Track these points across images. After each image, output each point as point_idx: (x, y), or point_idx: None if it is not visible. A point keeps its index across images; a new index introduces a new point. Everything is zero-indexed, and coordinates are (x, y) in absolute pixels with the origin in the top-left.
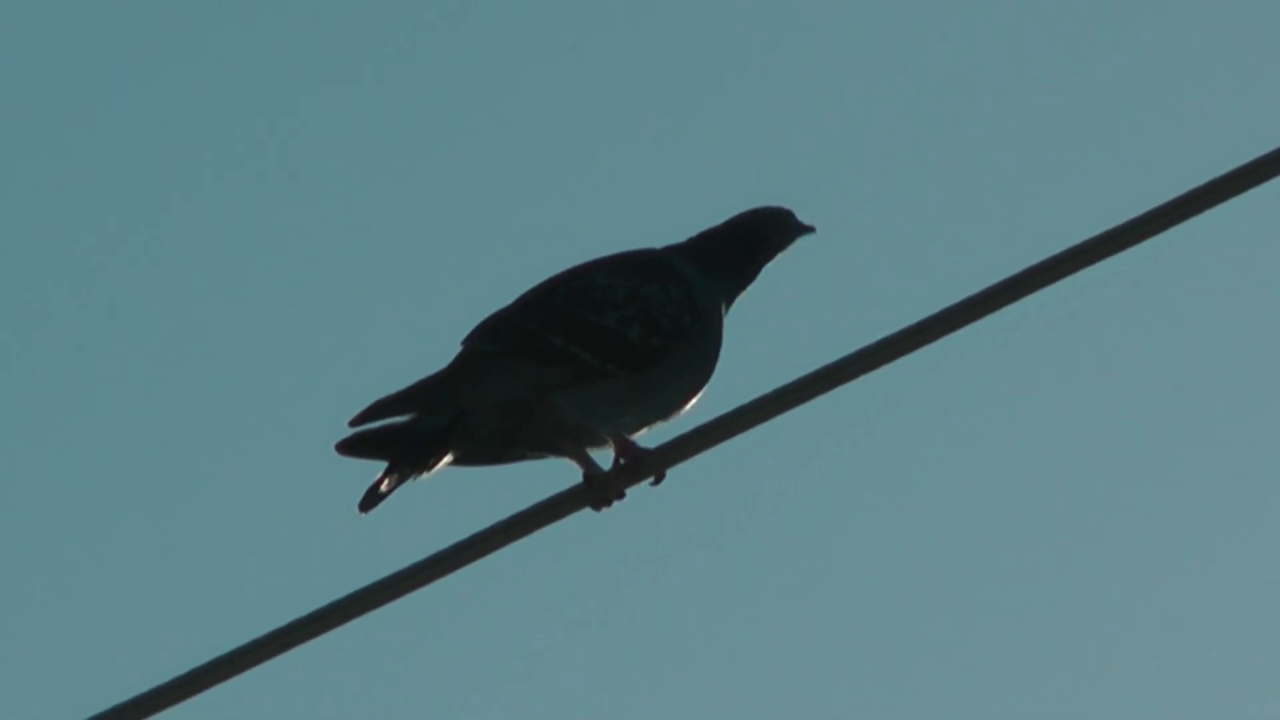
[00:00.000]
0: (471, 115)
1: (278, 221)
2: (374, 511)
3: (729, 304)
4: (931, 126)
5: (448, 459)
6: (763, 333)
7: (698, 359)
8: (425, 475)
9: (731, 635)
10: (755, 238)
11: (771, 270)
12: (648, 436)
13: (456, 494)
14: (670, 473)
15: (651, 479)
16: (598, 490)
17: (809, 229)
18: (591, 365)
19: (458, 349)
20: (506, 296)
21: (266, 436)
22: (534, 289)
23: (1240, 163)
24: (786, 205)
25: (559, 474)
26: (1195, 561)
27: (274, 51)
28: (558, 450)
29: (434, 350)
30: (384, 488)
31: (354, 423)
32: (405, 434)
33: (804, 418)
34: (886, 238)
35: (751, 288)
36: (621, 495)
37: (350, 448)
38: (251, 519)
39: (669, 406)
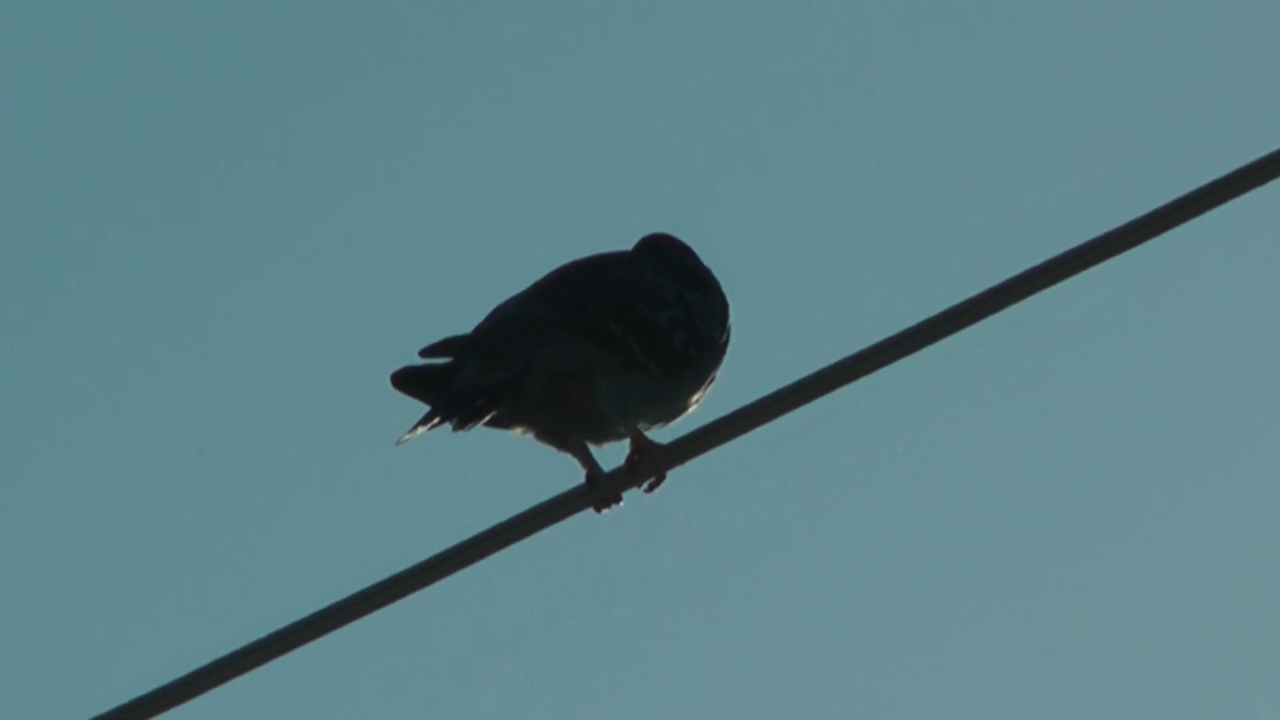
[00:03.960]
0: (470, 109)
1: (293, 213)
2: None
3: None
4: (933, 129)
5: (492, 414)
6: (765, 333)
7: (712, 372)
8: (469, 427)
9: (732, 635)
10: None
11: (773, 271)
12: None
13: (458, 495)
14: (671, 474)
15: (647, 485)
16: (600, 491)
17: None
18: (638, 358)
19: (486, 315)
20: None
21: (267, 439)
22: (574, 266)
23: (1240, 164)
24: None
25: (560, 475)
26: (1194, 561)
27: (320, 40)
28: (564, 441)
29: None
30: (424, 430)
31: (424, 353)
32: (454, 381)
33: (804, 419)
34: (887, 239)
35: (760, 287)
36: (619, 499)
37: (404, 382)
38: (251, 520)
39: (677, 411)
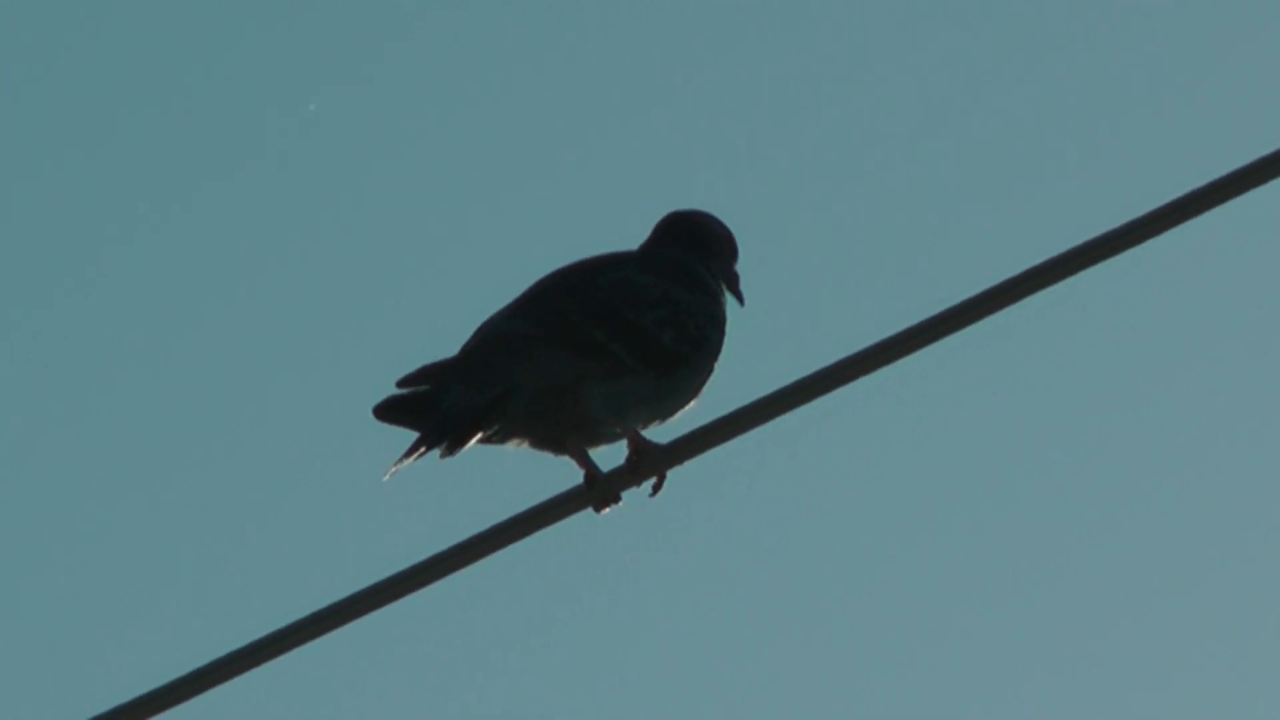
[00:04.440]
0: (467, 108)
1: (288, 214)
2: (390, 485)
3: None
4: (933, 129)
5: (479, 436)
6: (765, 333)
7: (708, 367)
8: (457, 451)
9: (731, 635)
10: (715, 242)
11: (774, 270)
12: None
13: (457, 495)
14: (670, 474)
15: (650, 488)
16: (599, 492)
17: (735, 296)
18: (625, 363)
19: (474, 330)
20: (506, 280)
21: (267, 439)
22: (559, 274)
23: (1240, 164)
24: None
25: (559, 475)
26: (1194, 562)
27: (306, 39)
28: (561, 446)
29: (428, 338)
30: (412, 459)
31: (401, 384)
32: (438, 407)
33: (804, 419)
34: (887, 239)
35: (759, 287)
36: (618, 499)
37: (387, 412)
38: (250, 519)
39: (673, 410)
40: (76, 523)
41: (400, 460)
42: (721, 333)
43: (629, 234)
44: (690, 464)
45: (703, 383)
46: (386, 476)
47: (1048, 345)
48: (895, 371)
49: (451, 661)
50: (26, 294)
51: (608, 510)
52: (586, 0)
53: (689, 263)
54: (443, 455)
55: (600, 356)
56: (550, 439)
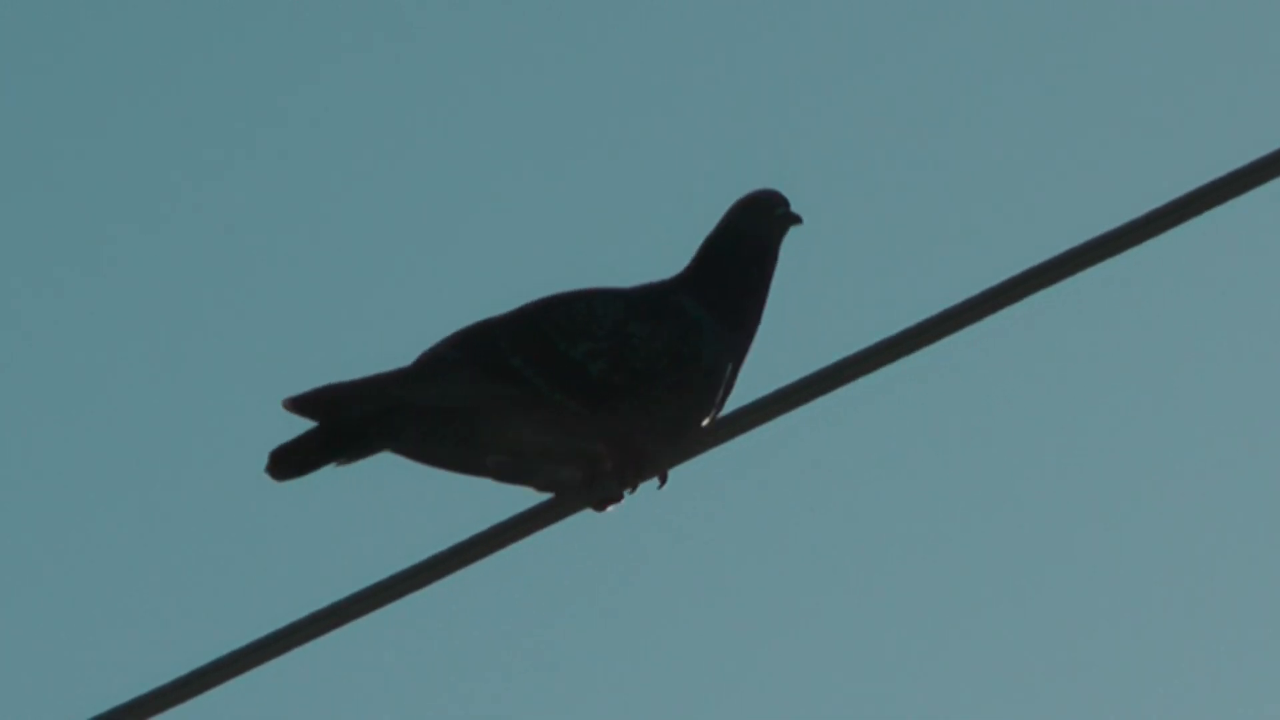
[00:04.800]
0: (458, 116)
1: (249, 221)
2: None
3: (744, 346)
4: (933, 129)
5: (373, 449)
6: (765, 333)
7: (676, 406)
8: (346, 463)
9: (731, 636)
10: (747, 240)
11: (775, 269)
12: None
13: (457, 495)
14: (671, 473)
15: (657, 481)
16: (598, 491)
17: (795, 219)
18: (543, 392)
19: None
20: (486, 298)
21: (265, 435)
22: (534, 303)
23: (1240, 164)
24: (780, 192)
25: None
26: (1195, 562)
27: (253, 52)
28: (541, 469)
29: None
30: (297, 455)
31: (289, 405)
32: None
33: (804, 419)
34: (887, 238)
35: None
36: (619, 498)
37: (301, 406)
38: (247, 518)
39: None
40: (77, 521)
41: (288, 462)
42: (699, 374)
43: (625, 237)
44: (690, 464)
45: (679, 424)
46: (279, 480)
47: (1048, 345)
48: (895, 371)
49: (451, 662)
50: None
51: (608, 509)
52: (585, 0)
53: (677, 303)
54: (339, 464)
55: (512, 382)
56: (522, 466)
